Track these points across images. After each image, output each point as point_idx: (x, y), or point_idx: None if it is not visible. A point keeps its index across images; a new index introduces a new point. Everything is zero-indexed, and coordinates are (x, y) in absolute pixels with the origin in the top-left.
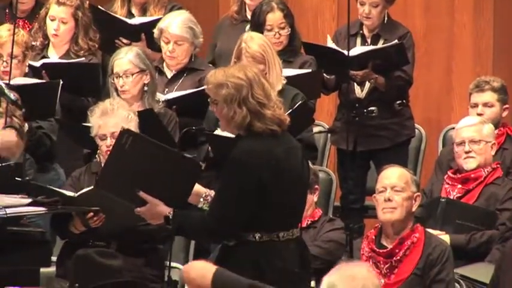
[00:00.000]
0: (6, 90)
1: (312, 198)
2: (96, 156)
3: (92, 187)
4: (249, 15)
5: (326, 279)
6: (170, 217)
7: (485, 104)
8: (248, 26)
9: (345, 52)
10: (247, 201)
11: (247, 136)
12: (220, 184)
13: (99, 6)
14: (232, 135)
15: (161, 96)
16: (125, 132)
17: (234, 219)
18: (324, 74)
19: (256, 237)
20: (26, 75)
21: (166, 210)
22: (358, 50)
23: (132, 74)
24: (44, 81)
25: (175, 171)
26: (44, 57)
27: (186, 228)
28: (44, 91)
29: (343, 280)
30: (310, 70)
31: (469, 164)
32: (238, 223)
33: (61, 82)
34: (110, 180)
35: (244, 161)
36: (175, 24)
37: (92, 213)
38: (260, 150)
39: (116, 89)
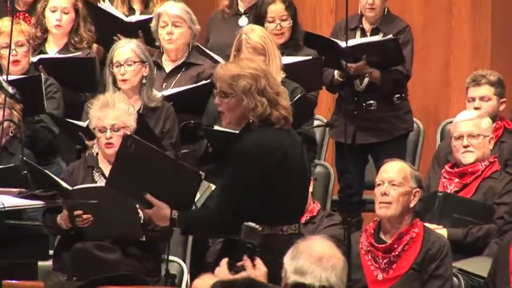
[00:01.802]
0: (4, 84)
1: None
2: (93, 150)
3: (91, 185)
4: (241, 8)
5: (290, 263)
6: (176, 219)
7: (482, 98)
8: (241, 19)
9: (339, 42)
10: (254, 193)
11: (254, 129)
12: (227, 177)
13: (98, 4)
14: (228, 130)
15: (158, 93)
16: (128, 137)
17: (242, 212)
18: (335, 74)
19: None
20: (30, 67)
21: (169, 213)
22: (352, 41)
23: (134, 63)
24: (24, 76)
25: (176, 177)
26: (41, 52)
27: (194, 227)
28: (28, 86)
29: (311, 264)
30: (310, 57)
31: (467, 158)
32: (246, 215)
33: (42, 76)
34: (119, 181)
35: (251, 153)
36: (173, 6)
37: (80, 212)
38: (268, 143)
39: (113, 81)
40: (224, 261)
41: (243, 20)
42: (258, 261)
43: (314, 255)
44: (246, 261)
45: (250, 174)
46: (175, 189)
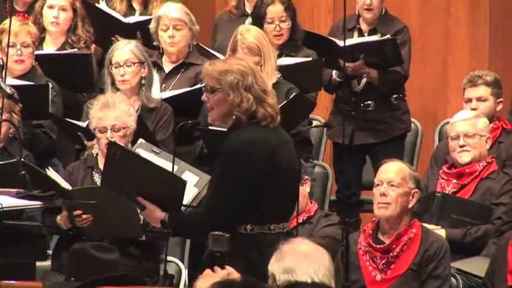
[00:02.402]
0: (2, 84)
1: (304, 189)
2: (93, 150)
3: (90, 186)
4: (248, 9)
5: (278, 265)
6: (166, 221)
7: (478, 99)
8: (248, 20)
9: (337, 41)
10: (243, 192)
11: (241, 127)
12: (216, 176)
13: (95, 4)
14: (223, 129)
15: (156, 95)
16: (112, 145)
17: (231, 211)
18: (333, 74)
19: (248, 229)
20: (32, 67)
21: (162, 215)
22: (351, 41)
23: (134, 63)
24: (33, 83)
25: (160, 182)
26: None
27: (183, 228)
28: (35, 93)
29: (298, 261)
30: (310, 58)
31: (463, 158)
32: (235, 214)
33: (50, 85)
34: (111, 185)
35: (239, 151)
36: (173, 9)
37: (79, 211)
38: (255, 141)
39: (112, 82)
40: (207, 272)
41: (249, 21)
42: (229, 269)
43: (299, 253)
44: (218, 271)
45: (236, 172)
46: (161, 193)
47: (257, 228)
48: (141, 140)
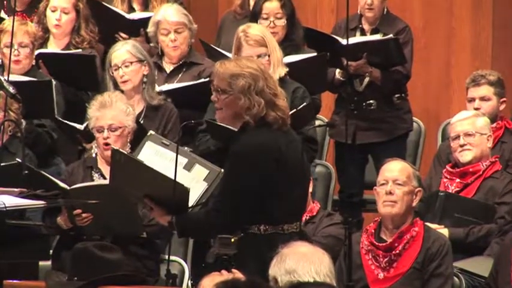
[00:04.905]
0: (5, 84)
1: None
2: (92, 150)
3: (89, 183)
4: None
5: (279, 268)
6: (173, 222)
7: (481, 98)
8: None
9: (340, 39)
10: (251, 194)
11: (250, 129)
12: (223, 177)
13: (100, 2)
14: (231, 127)
15: (158, 88)
16: (116, 152)
17: (238, 212)
18: (336, 74)
19: (261, 229)
20: (32, 67)
21: (168, 217)
22: (354, 39)
23: (131, 63)
24: (36, 79)
25: (166, 189)
26: None
27: (190, 228)
28: (38, 89)
29: (299, 261)
30: (314, 54)
31: (464, 157)
32: (242, 216)
33: (53, 82)
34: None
35: (247, 154)
36: (171, 12)
37: (79, 210)
38: (263, 143)
39: (115, 83)
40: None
41: None
42: (236, 272)
43: (299, 254)
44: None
45: (245, 175)
46: (166, 198)
47: (270, 229)
48: (151, 132)
